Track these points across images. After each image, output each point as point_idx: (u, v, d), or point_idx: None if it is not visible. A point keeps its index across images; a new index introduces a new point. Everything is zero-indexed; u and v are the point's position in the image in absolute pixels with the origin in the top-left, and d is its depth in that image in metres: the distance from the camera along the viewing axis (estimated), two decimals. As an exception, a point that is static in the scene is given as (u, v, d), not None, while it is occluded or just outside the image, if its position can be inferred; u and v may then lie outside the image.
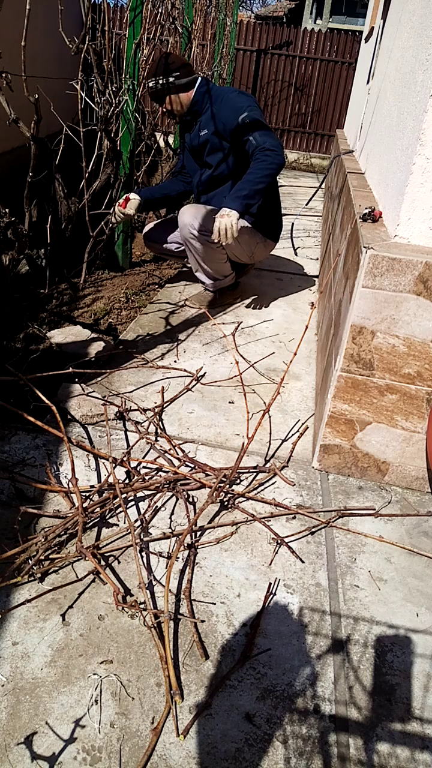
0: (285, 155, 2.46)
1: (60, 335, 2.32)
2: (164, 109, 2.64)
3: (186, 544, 1.39)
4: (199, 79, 2.60)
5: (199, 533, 1.46)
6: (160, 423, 1.89)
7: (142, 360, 2.27)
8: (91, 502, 1.46)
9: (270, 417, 1.99)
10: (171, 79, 2.53)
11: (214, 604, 1.26)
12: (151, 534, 1.43)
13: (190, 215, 2.59)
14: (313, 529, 1.51)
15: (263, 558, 1.40)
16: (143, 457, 1.70)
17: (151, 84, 2.56)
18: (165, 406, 1.99)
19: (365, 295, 1.49)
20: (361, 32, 6.92)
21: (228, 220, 2.36)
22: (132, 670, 1.11)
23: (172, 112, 2.64)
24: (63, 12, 2.29)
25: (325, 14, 15.91)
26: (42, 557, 1.30)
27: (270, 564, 1.38)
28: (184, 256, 3.01)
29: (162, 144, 4.40)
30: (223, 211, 2.38)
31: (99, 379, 2.12)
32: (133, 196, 2.72)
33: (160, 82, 2.53)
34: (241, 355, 2.40)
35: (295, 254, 3.90)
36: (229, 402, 2.06)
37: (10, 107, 2.09)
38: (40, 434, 1.74)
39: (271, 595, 1.29)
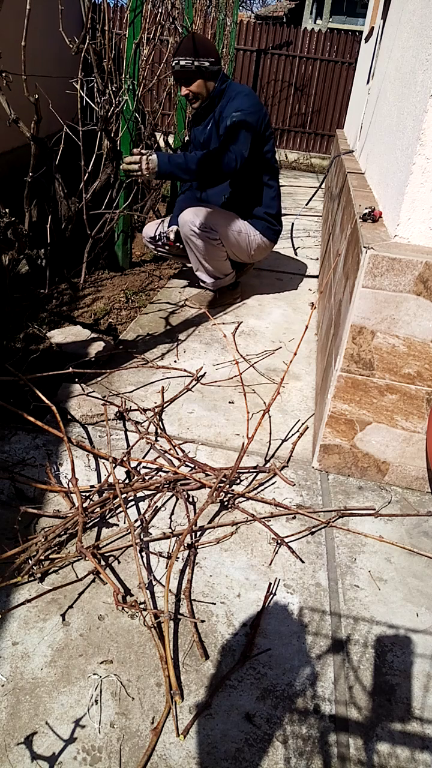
0: (235, 169, 2.42)
1: (60, 335, 2.32)
2: (189, 91, 2.59)
3: (186, 544, 1.39)
4: (221, 73, 2.59)
5: (199, 533, 1.46)
6: (160, 423, 1.89)
7: (142, 360, 2.27)
8: (91, 502, 1.46)
9: (270, 417, 1.99)
10: (206, 64, 2.50)
11: (214, 604, 1.26)
12: (151, 534, 1.43)
13: (191, 213, 2.59)
14: (313, 529, 1.51)
15: (263, 558, 1.40)
16: (143, 457, 1.70)
17: (183, 63, 2.49)
18: (165, 406, 1.99)
19: (365, 295, 1.49)
20: (361, 32, 6.92)
21: (145, 170, 2.34)
22: (132, 670, 1.11)
23: (197, 95, 2.60)
24: (63, 12, 2.28)
25: (325, 14, 15.90)
26: (42, 557, 1.30)
27: (270, 564, 1.38)
28: (184, 255, 3.02)
29: (162, 144, 4.40)
30: (152, 162, 2.34)
31: (99, 379, 2.12)
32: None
33: (195, 63, 2.48)
34: (241, 355, 2.40)
35: (295, 254, 3.90)
36: (229, 402, 2.06)
37: (10, 107, 2.09)
38: (40, 434, 1.74)
39: (271, 595, 1.29)
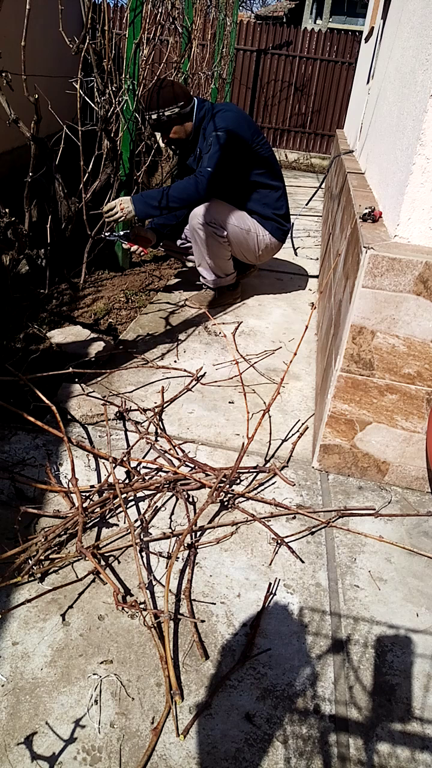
0: (206, 189, 2.46)
1: (60, 335, 2.32)
2: (169, 138, 2.62)
3: (186, 544, 1.39)
4: (197, 102, 2.59)
5: (199, 533, 1.46)
6: (160, 423, 1.89)
7: (142, 360, 2.27)
8: (91, 502, 1.46)
9: (270, 417, 1.99)
10: (176, 110, 2.51)
11: (214, 604, 1.26)
12: (151, 534, 1.43)
13: (201, 206, 2.60)
14: (313, 529, 1.51)
15: (263, 558, 1.40)
16: (143, 457, 1.70)
17: (155, 116, 2.51)
18: (165, 406, 1.99)
19: (365, 295, 1.49)
20: (361, 32, 6.92)
21: (121, 215, 2.44)
22: (132, 670, 1.11)
23: (178, 140, 2.63)
24: (63, 12, 2.28)
25: (325, 14, 15.90)
26: (42, 557, 1.30)
27: (270, 564, 1.38)
28: (186, 252, 3.02)
29: (162, 144, 4.40)
30: (125, 205, 2.43)
31: (99, 379, 2.12)
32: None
33: (166, 113, 2.50)
34: (241, 355, 2.40)
35: (295, 254, 3.90)
36: (229, 402, 2.06)
37: (10, 107, 2.09)
38: (40, 434, 1.74)
39: (271, 595, 1.29)
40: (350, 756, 1.01)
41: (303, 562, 1.40)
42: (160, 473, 1.63)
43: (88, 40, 2.41)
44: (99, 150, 2.76)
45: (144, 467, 1.66)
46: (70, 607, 1.22)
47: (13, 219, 2.20)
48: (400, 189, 1.56)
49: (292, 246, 3.97)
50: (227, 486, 1.60)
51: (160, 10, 3.15)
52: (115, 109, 2.68)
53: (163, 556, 1.36)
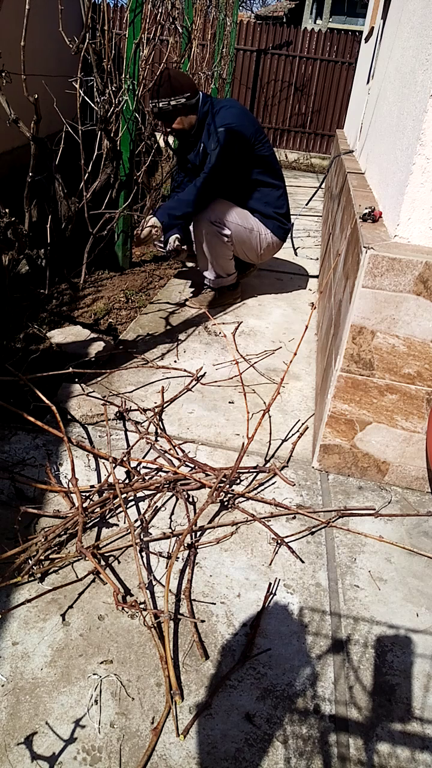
0: (216, 183, 2.54)
1: (60, 335, 2.32)
2: (172, 128, 2.63)
3: (186, 544, 1.39)
4: (201, 97, 2.60)
5: (199, 533, 1.46)
6: (160, 423, 1.89)
7: (142, 360, 2.27)
8: (91, 502, 1.46)
9: (270, 417, 1.99)
10: (182, 101, 2.52)
11: (214, 604, 1.26)
12: (151, 534, 1.43)
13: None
14: (313, 529, 1.51)
15: (263, 558, 1.40)
16: (143, 457, 1.70)
17: (160, 105, 2.53)
18: (165, 406, 1.99)
19: (365, 295, 1.49)
20: (361, 32, 6.92)
21: (156, 236, 2.55)
22: (132, 670, 1.11)
23: (181, 131, 2.64)
24: (63, 12, 2.28)
25: (325, 14, 15.89)
26: (42, 557, 1.30)
27: (270, 564, 1.38)
28: (191, 252, 3.03)
29: (162, 144, 4.40)
30: (154, 222, 2.53)
31: (99, 379, 2.12)
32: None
33: (171, 103, 2.51)
34: (241, 355, 2.40)
35: (295, 254, 3.90)
36: (229, 402, 2.06)
37: (10, 107, 2.09)
38: (40, 434, 1.74)
39: (271, 595, 1.29)
40: (350, 756, 1.01)
41: (303, 562, 1.40)
42: (160, 473, 1.63)
43: (88, 40, 2.41)
44: (99, 150, 2.75)
45: (144, 467, 1.66)
46: (70, 607, 1.22)
47: (13, 219, 2.20)
48: (400, 189, 1.56)
49: (292, 246, 3.97)
50: (227, 486, 1.60)
51: (160, 10, 3.15)
52: (115, 109, 2.67)
53: (163, 556, 1.36)
